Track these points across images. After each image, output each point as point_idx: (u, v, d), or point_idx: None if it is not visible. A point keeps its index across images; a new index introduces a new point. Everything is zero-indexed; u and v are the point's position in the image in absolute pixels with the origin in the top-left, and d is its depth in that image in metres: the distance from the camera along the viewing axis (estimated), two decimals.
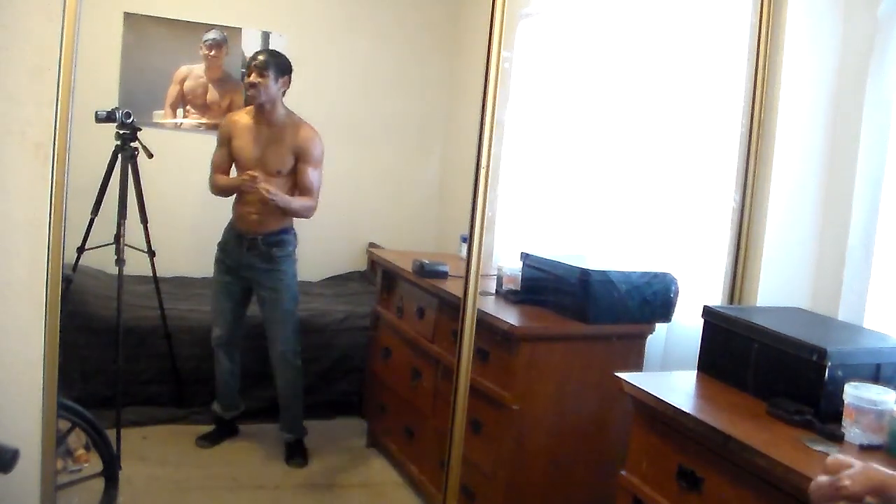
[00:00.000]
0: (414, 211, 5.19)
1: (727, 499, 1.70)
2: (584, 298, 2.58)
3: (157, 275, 3.61)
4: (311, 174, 3.32)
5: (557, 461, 2.61)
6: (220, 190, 3.42)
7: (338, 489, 3.28)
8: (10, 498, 1.99)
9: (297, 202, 3.30)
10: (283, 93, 3.32)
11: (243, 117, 3.40)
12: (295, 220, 3.42)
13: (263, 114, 3.31)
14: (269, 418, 3.67)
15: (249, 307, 3.53)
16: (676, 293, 2.68)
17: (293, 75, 3.33)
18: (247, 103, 3.38)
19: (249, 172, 3.22)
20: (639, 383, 2.00)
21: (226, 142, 3.40)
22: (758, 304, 2.46)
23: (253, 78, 3.24)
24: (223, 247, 3.47)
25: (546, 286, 2.77)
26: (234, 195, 3.39)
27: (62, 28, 1.92)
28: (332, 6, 4.92)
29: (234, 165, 3.43)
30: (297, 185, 3.33)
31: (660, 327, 2.74)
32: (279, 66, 3.28)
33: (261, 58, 3.27)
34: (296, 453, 3.48)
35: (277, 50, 3.51)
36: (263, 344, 3.48)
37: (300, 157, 3.30)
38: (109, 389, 3.40)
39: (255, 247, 3.35)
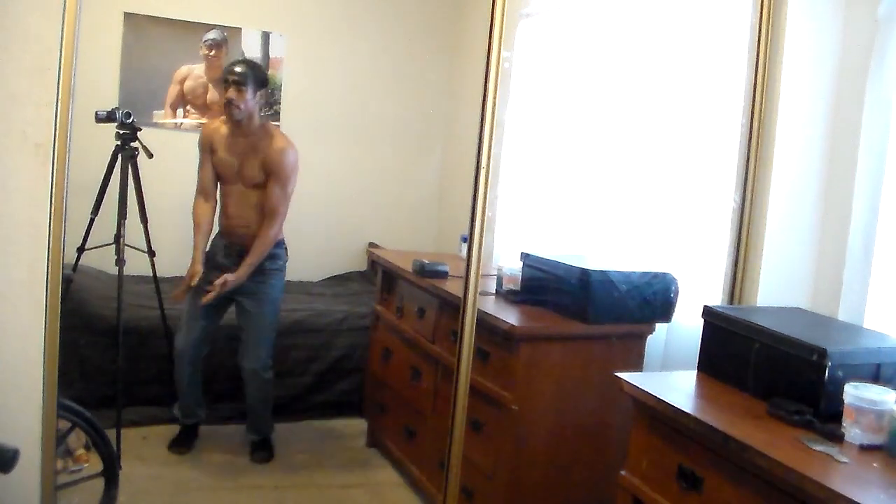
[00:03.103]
0: (414, 211, 5.19)
1: (727, 499, 1.70)
2: (584, 298, 2.58)
3: (157, 275, 3.60)
4: (278, 195, 3.20)
5: (557, 461, 2.61)
6: (195, 230, 3.32)
7: (338, 489, 3.28)
8: (10, 498, 1.99)
9: (267, 240, 3.22)
10: (261, 106, 3.25)
11: (221, 127, 3.32)
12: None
13: (240, 126, 3.23)
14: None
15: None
16: (676, 293, 2.68)
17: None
18: (226, 118, 3.28)
19: (216, 283, 3.16)
20: (639, 383, 1.99)
21: (208, 153, 3.33)
22: (758, 304, 2.46)
23: (230, 93, 3.14)
24: (211, 256, 3.38)
25: (546, 286, 2.77)
26: (219, 206, 3.36)
27: (62, 28, 1.92)
28: (332, 6, 4.92)
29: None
30: (264, 203, 3.22)
31: (660, 327, 2.74)
32: (257, 79, 3.20)
33: (238, 70, 3.16)
34: (260, 448, 3.50)
35: (253, 60, 3.43)
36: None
37: (270, 173, 3.21)
38: (109, 389, 3.40)
39: (244, 259, 3.25)
